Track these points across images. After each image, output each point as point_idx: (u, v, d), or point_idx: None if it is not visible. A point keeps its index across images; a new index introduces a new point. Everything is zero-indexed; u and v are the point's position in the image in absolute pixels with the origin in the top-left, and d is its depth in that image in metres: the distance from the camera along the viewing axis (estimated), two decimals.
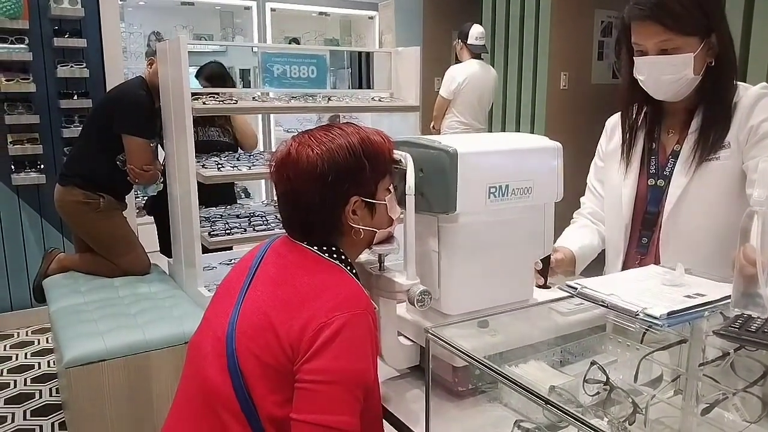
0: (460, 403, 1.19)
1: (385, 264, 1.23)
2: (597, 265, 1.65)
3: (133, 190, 3.22)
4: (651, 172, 1.50)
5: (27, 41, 3.51)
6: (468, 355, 0.92)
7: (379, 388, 1.17)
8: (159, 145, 3.06)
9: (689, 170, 1.41)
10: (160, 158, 3.09)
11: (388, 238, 1.21)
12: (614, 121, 1.60)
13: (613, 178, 1.57)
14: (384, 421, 1.18)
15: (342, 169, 1.09)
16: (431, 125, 4.90)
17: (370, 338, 1.05)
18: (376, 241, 1.19)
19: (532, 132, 4.99)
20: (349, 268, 1.14)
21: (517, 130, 5.08)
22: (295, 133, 1.18)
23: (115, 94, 2.99)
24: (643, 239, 1.51)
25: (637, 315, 0.96)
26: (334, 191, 1.10)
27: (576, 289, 1.07)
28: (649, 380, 1.12)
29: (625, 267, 1.53)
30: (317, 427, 0.99)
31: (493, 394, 1.17)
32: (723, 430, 1.00)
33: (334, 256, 1.13)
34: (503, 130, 5.19)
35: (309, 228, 1.14)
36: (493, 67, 5.03)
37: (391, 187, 1.18)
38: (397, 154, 1.17)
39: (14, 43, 3.51)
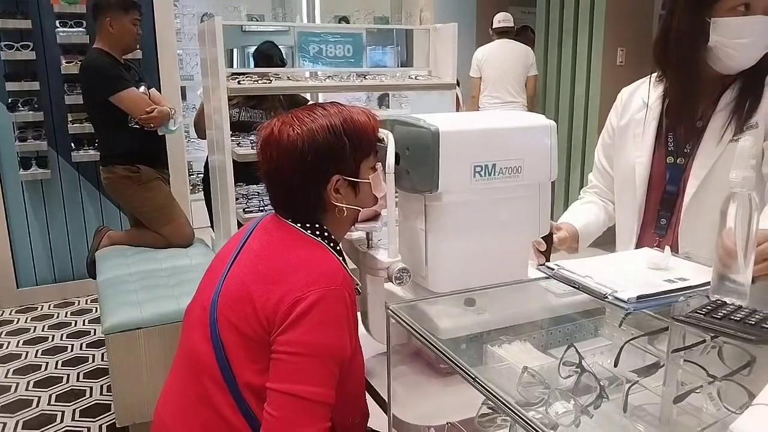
0: (444, 379, 1.20)
1: (373, 242, 1.24)
2: (606, 244, 1.60)
3: (166, 150, 3.30)
4: (669, 149, 1.42)
5: (84, 24, 3.68)
6: (420, 335, 0.92)
7: (363, 363, 1.20)
8: (148, 88, 3.11)
9: (715, 150, 1.33)
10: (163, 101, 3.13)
11: (375, 216, 1.22)
12: (626, 95, 1.53)
13: (625, 155, 1.49)
14: (368, 394, 1.21)
15: (321, 149, 1.11)
16: (467, 105, 5.03)
17: (346, 313, 1.08)
18: (361, 218, 1.20)
19: (586, 111, 4.84)
20: (332, 245, 1.16)
21: (571, 108, 4.93)
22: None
23: (81, 72, 3.10)
24: (661, 220, 1.43)
25: (606, 298, 0.94)
26: (314, 170, 1.12)
27: (553, 270, 1.06)
28: (643, 366, 1.09)
29: (640, 247, 1.44)
30: (290, 396, 1.03)
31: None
32: (700, 420, 0.96)
33: (317, 233, 1.15)
34: (557, 108, 5.06)
35: (293, 206, 1.17)
36: (547, 43, 4.95)
37: (377, 165, 1.19)
38: (381, 132, 1.17)
39: (73, 27, 3.69)
